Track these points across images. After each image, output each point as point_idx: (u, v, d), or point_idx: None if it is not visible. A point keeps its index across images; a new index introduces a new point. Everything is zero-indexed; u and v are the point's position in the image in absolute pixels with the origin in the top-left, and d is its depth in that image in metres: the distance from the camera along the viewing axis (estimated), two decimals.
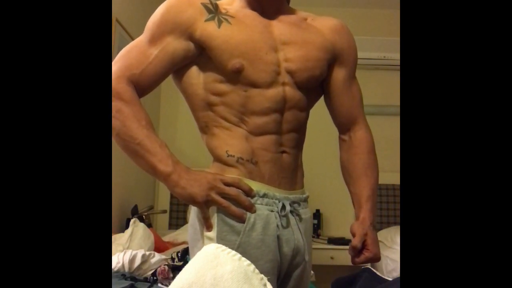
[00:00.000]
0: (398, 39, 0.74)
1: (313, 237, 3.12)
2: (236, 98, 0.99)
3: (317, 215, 3.30)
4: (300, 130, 1.08)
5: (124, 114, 0.92)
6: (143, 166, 0.94)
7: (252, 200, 0.97)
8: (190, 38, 0.98)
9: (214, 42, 0.97)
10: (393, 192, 3.36)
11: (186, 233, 1.26)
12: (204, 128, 1.03)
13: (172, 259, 1.89)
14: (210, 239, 0.95)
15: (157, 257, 1.79)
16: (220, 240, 0.94)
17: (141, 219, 2.43)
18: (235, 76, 0.98)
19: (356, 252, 1.03)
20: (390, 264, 2.71)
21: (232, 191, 0.94)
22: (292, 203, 1.02)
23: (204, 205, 0.94)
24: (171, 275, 1.69)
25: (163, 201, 3.36)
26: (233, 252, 0.63)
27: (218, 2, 1.03)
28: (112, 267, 1.70)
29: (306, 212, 1.07)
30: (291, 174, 1.05)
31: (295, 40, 1.04)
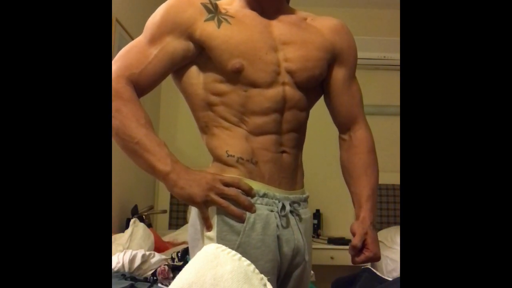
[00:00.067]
0: (398, 39, 0.74)
1: (313, 237, 3.12)
2: (236, 98, 0.99)
3: (317, 215, 3.30)
4: (300, 130, 1.08)
5: (123, 113, 0.91)
6: (142, 166, 0.94)
7: (252, 200, 0.97)
8: (190, 38, 0.98)
9: (214, 42, 0.97)
10: (393, 192, 3.36)
11: (186, 233, 1.26)
12: (204, 128, 1.03)
13: (172, 259, 1.89)
14: (210, 239, 0.95)
15: (157, 257, 1.79)
16: (220, 240, 0.94)
17: (141, 219, 2.43)
18: (235, 76, 0.98)
19: (356, 251, 1.03)
20: (390, 264, 2.71)
21: (231, 191, 0.94)
22: (292, 203, 1.02)
23: (203, 205, 0.94)
24: (171, 275, 1.69)
25: (163, 201, 3.36)
26: (233, 252, 0.63)
27: (217, 2, 1.03)
28: (112, 267, 1.69)
29: (306, 212, 1.07)
30: (291, 174, 1.05)
31: (295, 40, 1.04)
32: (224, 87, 0.99)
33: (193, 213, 1.00)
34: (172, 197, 3.34)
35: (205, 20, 0.98)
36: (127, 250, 1.83)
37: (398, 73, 0.82)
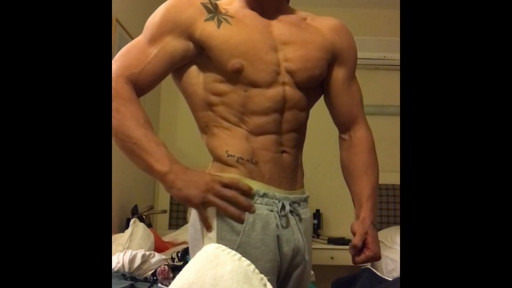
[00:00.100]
0: (398, 39, 0.74)
1: (313, 237, 3.12)
2: (236, 98, 0.99)
3: (317, 215, 3.30)
4: (300, 130, 1.08)
5: (122, 113, 0.91)
6: (140, 166, 0.93)
7: (252, 200, 0.97)
8: (190, 38, 0.98)
9: (214, 42, 0.97)
10: (393, 192, 3.36)
11: (186, 233, 1.26)
12: (204, 128, 1.03)
13: (172, 259, 1.89)
14: (210, 239, 0.95)
15: (157, 257, 1.79)
16: (220, 240, 0.94)
17: (141, 219, 2.43)
18: (235, 76, 0.98)
19: (357, 251, 1.03)
20: (390, 264, 2.71)
21: (229, 192, 0.93)
22: (292, 203, 1.02)
23: (201, 206, 0.93)
24: (171, 275, 1.69)
25: (163, 201, 3.36)
26: (233, 252, 0.63)
27: (217, 2, 1.03)
28: (112, 267, 1.70)
29: (306, 212, 1.07)
30: (291, 174, 1.05)
31: (295, 40, 1.04)
32: (224, 87, 0.99)
33: (193, 213, 1.00)
34: (172, 197, 3.34)
35: (205, 20, 0.98)
36: (127, 250, 1.83)
37: (398, 73, 0.82)
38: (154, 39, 0.97)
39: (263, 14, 1.05)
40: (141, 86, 0.97)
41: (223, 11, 1.01)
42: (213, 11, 0.99)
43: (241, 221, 0.94)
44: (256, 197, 0.98)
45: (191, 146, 3.30)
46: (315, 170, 3.24)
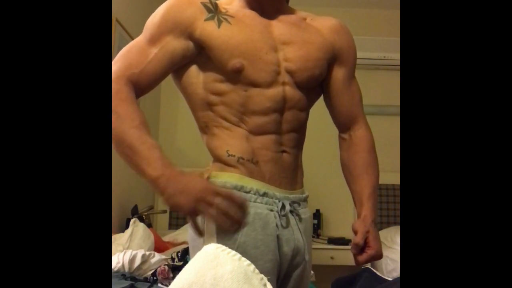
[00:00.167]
0: (398, 39, 0.73)
1: (313, 237, 3.12)
2: (236, 97, 0.99)
3: (317, 215, 3.30)
4: (300, 130, 1.08)
5: (117, 114, 0.89)
6: (134, 169, 0.90)
7: (252, 199, 0.97)
8: (190, 37, 0.98)
9: (214, 42, 0.97)
10: (393, 192, 3.37)
11: (186, 233, 1.26)
12: (204, 128, 1.03)
13: (172, 259, 1.89)
14: (211, 238, 0.95)
15: (157, 257, 1.79)
16: (220, 239, 0.94)
17: (141, 219, 2.43)
18: (235, 76, 0.98)
19: (359, 249, 1.03)
20: (390, 264, 2.71)
21: (222, 204, 0.86)
22: (292, 202, 1.02)
23: (192, 214, 0.89)
24: (171, 275, 1.69)
25: None
26: (233, 252, 0.63)
27: (217, 1, 1.03)
28: (112, 267, 1.70)
29: (306, 212, 1.07)
30: (291, 174, 1.05)
31: (295, 40, 1.04)
32: (224, 86, 0.99)
33: None
34: None
35: (205, 20, 0.98)
36: (127, 250, 1.84)
37: (398, 73, 0.82)
38: (154, 39, 0.97)
39: (263, 14, 1.05)
40: (142, 86, 0.97)
41: (223, 10, 1.01)
42: (213, 10, 0.99)
43: (233, 230, 0.91)
44: (256, 196, 0.98)
45: (191, 146, 3.31)
46: (315, 170, 3.24)
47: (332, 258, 3.04)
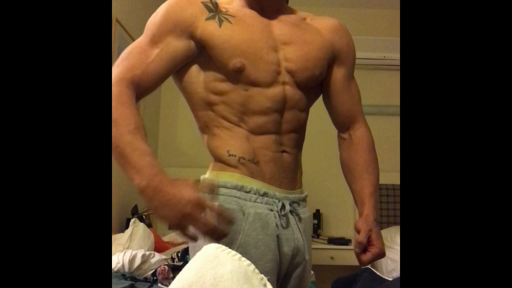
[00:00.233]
0: (398, 39, 0.74)
1: (313, 237, 3.12)
2: (237, 97, 0.99)
3: (317, 215, 3.30)
4: (300, 130, 1.08)
5: (113, 118, 0.87)
6: (125, 175, 0.86)
7: (252, 199, 0.97)
8: (191, 37, 0.97)
9: (215, 41, 0.97)
10: (393, 192, 3.37)
11: None
12: (204, 128, 1.03)
13: (172, 259, 1.89)
14: None
15: (157, 257, 1.79)
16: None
17: (141, 219, 2.43)
18: (236, 75, 0.98)
19: (362, 248, 1.03)
20: (390, 264, 2.71)
21: (207, 225, 0.82)
22: (291, 202, 1.03)
23: (177, 229, 0.85)
24: (171, 275, 1.69)
25: None
26: (233, 252, 0.63)
27: (218, 1, 1.03)
28: (112, 267, 1.70)
29: (305, 212, 1.08)
30: (291, 174, 1.06)
31: (295, 40, 1.05)
32: (224, 86, 0.99)
33: None
34: None
35: (206, 19, 0.98)
36: (127, 250, 1.84)
37: (398, 73, 0.83)
38: (155, 40, 0.97)
39: (263, 14, 1.05)
40: (144, 87, 0.96)
41: (223, 10, 1.01)
42: (214, 10, 0.99)
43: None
44: (256, 196, 0.98)
45: (191, 146, 3.31)
46: (315, 170, 3.25)
47: (332, 258, 3.04)
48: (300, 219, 1.04)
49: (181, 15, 0.97)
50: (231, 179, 0.98)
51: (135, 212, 2.56)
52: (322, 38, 1.08)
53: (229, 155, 0.99)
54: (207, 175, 1.02)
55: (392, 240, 2.90)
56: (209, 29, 0.97)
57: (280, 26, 1.05)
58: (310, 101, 1.10)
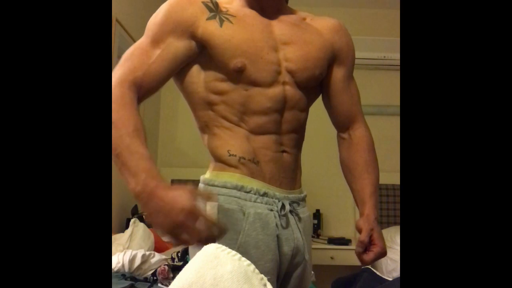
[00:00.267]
0: (398, 39, 0.74)
1: (313, 237, 3.12)
2: (237, 97, 0.99)
3: (317, 215, 3.30)
4: (299, 130, 1.08)
5: (112, 120, 0.85)
6: (122, 179, 0.84)
7: (252, 199, 0.98)
8: (192, 37, 0.97)
9: (216, 41, 0.97)
10: (393, 192, 3.37)
11: None
12: (204, 128, 1.03)
13: (172, 259, 1.89)
14: None
15: (157, 257, 1.79)
16: (221, 239, 0.94)
17: (141, 219, 2.43)
18: (236, 75, 0.98)
19: (364, 247, 1.03)
20: (390, 264, 2.71)
21: (199, 234, 0.80)
22: (291, 202, 1.03)
23: (169, 236, 0.83)
24: (171, 275, 1.69)
25: None
26: (233, 252, 0.63)
27: (218, 1, 1.03)
28: (112, 267, 1.70)
29: (304, 211, 1.08)
30: (291, 174, 1.06)
31: (295, 40, 1.05)
32: (225, 86, 0.99)
33: None
34: None
35: (207, 19, 0.98)
36: (127, 250, 1.84)
37: (398, 73, 0.83)
38: (156, 40, 0.96)
39: (263, 14, 1.05)
40: (147, 88, 0.95)
41: (223, 10, 1.01)
42: (215, 10, 0.99)
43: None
44: (256, 196, 0.98)
45: (191, 146, 3.31)
46: (315, 170, 3.25)
47: (332, 258, 3.04)
48: (299, 219, 1.04)
49: (182, 15, 0.97)
50: (231, 179, 0.98)
51: (135, 212, 2.56)
52: (322, 38, 1.09)
53: (230, 155, 0.99)
54: (206, 175, 1.02)
55: (392, 240, 2.90)
56: (210, 28, 0.97)
57: (280, 26, 1.05)
58: (310, 101, 1.10)
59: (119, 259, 1.73)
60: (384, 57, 3.42)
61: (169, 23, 0.97)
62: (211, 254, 0.63)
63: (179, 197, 0.80)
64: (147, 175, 0.82)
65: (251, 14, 1.04)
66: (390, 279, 2.51)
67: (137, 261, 1.73)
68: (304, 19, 1.12)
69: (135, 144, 0.85)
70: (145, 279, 1.70)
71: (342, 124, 1.16)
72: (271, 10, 1.06)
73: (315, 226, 3.26)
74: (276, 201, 1.00)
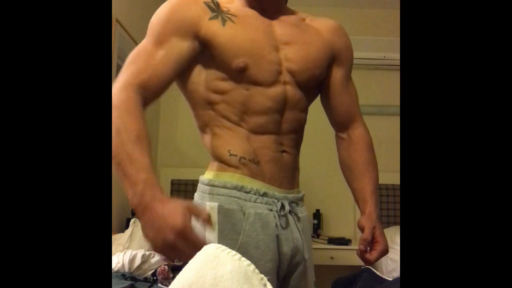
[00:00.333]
0: (398, 39, 0.74)
1: (313, 237, 3.12)
2: (238, 96, 0.99)
3: (317, 215, 3.30)
4: (299, 130, 1.09)
5: (115, 125, 0.85)
6: (121, 186, 0.83)
7: (252, 199, 0.98)
8: (196, 37, 0.97)
9: (219, 40, 0.96)
10: (393, 192, 3.37)
11: None
12: (204, 128, 1.03)
13: None
14: (212, 238, 0.95)
15: (157, 257, 1.79)
16: (222, 239, 0.94)
17: None
18: (238, 75, 0.98)
19: (367, 245, 1.04)
20: (390, 264, 2.71)
21: (186, 258, 0.73)
22: (290, 202, 1.03)
23: (160, 252, 0.82)
24: (171, 275, 1.69)
25: None
26: (233, 252, 0.63)
27: (218, 0, 1.03)
28: (112, 267, 1.70)
29: (303, 211, 1.08)
30: (291, 174, 1.06)
31: (296, 40, 1.05)
32: (226, 85, 0.99)
33: None
34: (172, 196, 3.33)
35: (210, 19, 0.97)
36: (127, 250, 1.84)
37: (398, 73, 0.83)
38: (160, 40, 0.95)
39: (264, 14, 1.05)
40: (153, 90, 0.94)
41: (225, 9, 1.01)
42: (216, 10, 0.99)
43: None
44: (256, 197, 0.98)
45: (191, 146, 3.31)
46: (315, 170, 3.25)
47: (332, 258, 3.03)
48: (298, 218, 1.05)
49: (185, 15, 0.97)
50: (231, 180, 0.98)
51: (135, 212, 2.56)
52: (322, 38, 1.09)
53: (230, 155, 0.99)
54: (206, 175, 1.02)
55: (392, 240, 2.90)
56: (213, 28, 0.97)
57: (281, 26, 1.06)
58: (309, 101, 1.11)
59: (119, 259, 1.73)
60: (384, 57, 3.42)
61: (173, 23, 0.96)
62: (211, 254, 0.63)
63: (172, 214, 0.77)
64: (144, 185, 0.80)
65: (252, 14, 1.04)
66: (390, 279, 2.51)
67: (137, 261, 1.73)
68: (304, 19, 1.12)
69: (136, 152, 0.83)
70: (145, 279, 1.70)
71: (342, 124, 1.16)
72: (272, 10, 1.06)
73: (315, 226, 3.26)
74: (276, 201, 1.00)
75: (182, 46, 0.96)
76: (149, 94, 0.93)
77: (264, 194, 0.99)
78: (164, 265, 1.74)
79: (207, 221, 0.84)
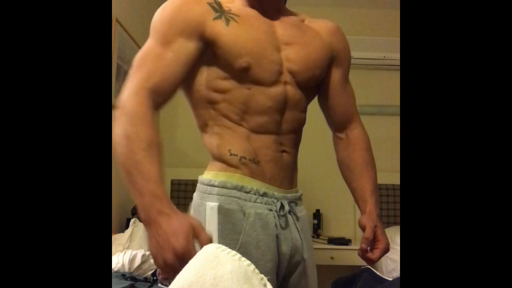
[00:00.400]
0: (398, 39, 0.74)
1: (313, 237, 3.12)
2: (239, 96, 0.99)
3: (317, 215, 3.30)
4: (299, 130, 1.09)
5: (125, 132, 0.84)
6: (129, 193, 0.84)
7: (252, 199, 0.98)
8: (201, 37, 0.96)
9: (222, 40, 0.96)
10: (393, 192, 3.36)
11: None
12: (204, 127, 1.03)
13: None
14: (212, 238, 0.95)
15: None
16: (222, 239, 0.94)
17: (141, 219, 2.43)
18: (241, 74, 0.98)
19: (369, 244, 1.04)
20: (390, 264, 2.71)
21: None
22: (289, 202, 1.03)
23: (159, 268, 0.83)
24: None
25: None
26: (233, 252, 0.63)
27: (220, 0, 1.03)
28: (112, 267, 1.70)
29: (302, 210, 1.08)
30: (290, 174, 1.06)
31: (296, 41, 1.06)
32: (227, 84, 0.99)
33: (192, 212, 1.00)
34: (172, 197, 3.34)
35: (214, 19, 0.97)
36: (127, 250, 1.84)
37: (398, 73, 0.83)
38: (167, 41, 0.94)
39: (265, 14, 1.05)
40: (165, 93, 0.93)
41: (226, 9, 1.01)
42: (219, 10, 0.99)
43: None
44: (256, 197, 0.98)
45: (191, 146, 3.31)
46: (315, 170, 3.25)
47: (332, 258, 3.03)
48: (297, 218, 1.05)
49: (189, 15, 0.96)
50: (231, 180, 0.98)
51: (135, 212, 2.56)
52: (321, 39, 1.10)
53: (231, 155, 0.99)
54: (205, 175, 1.02)
55: (392, 240, 2.90)
56: (217, 28, 0.97)
57: (282, 27, 1.06)
58: (309, 101, 1.12)
59: (119, 259, 1.73)
60: (384, 57, 3.41)
61: (178, 23, 0.95)
62: (211, 254, 0.63)
63: (175, 235, 0.77)
64: (152, 197, 0.80)
65: (254, 14, 1.04)
66: (390, 279, 2.51)
67: (137, 261, 1.73)
68: (303, 20, 1.13)
69: (146, 162, 0.82)
70: (145, 279, 1.70)
71: (340, 124, 1.17)
72: (272, 10, 1.07)
73: (315, 226, 3.26)
74: (275, 201, 1.00)
75: (188, 47, 0.95)
76: (160, 98, 0.92)
77: (264, 194, 0.99)
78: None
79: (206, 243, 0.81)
